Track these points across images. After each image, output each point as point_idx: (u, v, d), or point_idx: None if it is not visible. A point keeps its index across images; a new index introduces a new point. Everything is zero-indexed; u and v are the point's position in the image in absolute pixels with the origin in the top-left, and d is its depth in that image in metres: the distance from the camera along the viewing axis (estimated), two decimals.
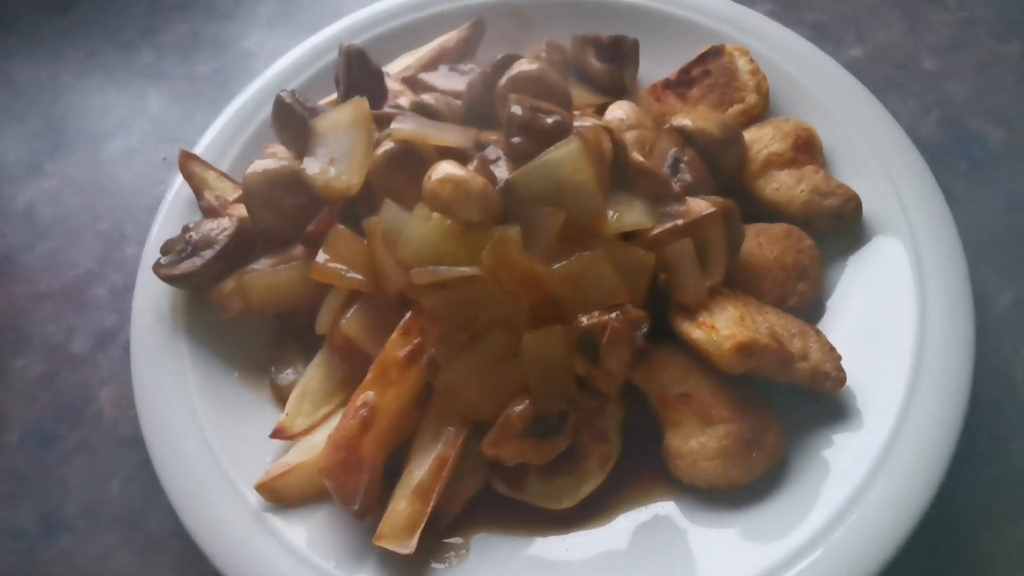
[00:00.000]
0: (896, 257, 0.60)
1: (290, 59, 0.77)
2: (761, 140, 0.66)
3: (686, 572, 0.49)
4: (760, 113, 0.69)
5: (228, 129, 0.71)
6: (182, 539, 0.56)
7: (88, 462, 0.63)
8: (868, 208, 0.63)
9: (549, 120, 0.54)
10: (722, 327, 0.51)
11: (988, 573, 0.54)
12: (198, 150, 0.69)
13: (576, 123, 0.57)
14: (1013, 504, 0.57)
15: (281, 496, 0.52)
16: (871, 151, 0.65)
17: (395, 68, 0.76)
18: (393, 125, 0.56)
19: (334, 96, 0.72)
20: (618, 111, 0.66)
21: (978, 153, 0.76)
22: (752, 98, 0.69)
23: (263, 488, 0.51)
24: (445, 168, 0.52)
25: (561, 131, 0.54)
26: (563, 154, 0.52)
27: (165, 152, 0.83)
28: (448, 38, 0.77)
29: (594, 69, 0.73)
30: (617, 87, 0.73)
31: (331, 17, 0.82)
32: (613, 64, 0.73)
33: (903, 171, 0.63)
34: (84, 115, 0.89)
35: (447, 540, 0.52)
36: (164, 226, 0.64)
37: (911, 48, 0.86)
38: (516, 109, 0.55)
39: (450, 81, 0.74)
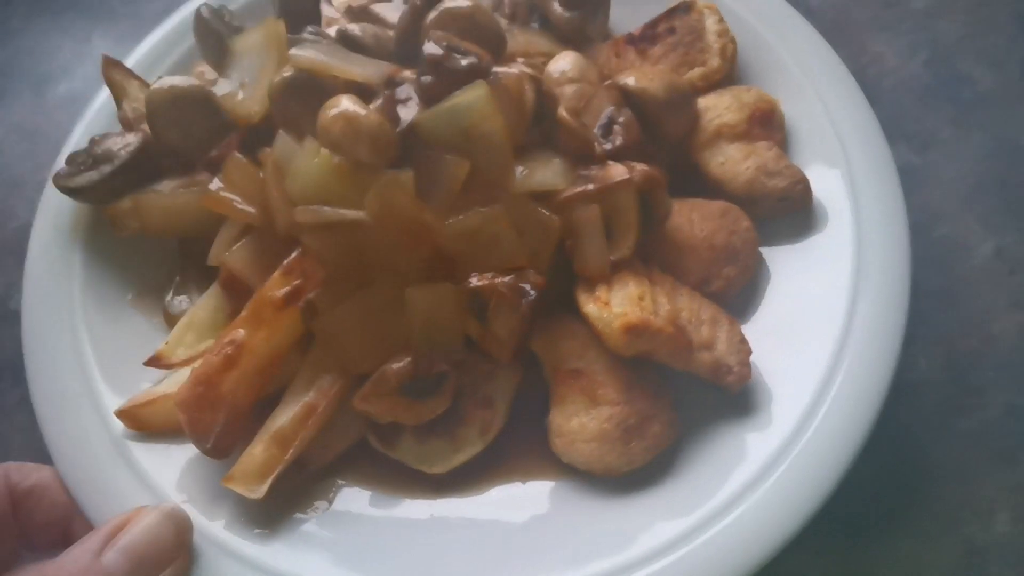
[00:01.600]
0: (836, 257, 0.54)
1: None
2: (715, 108, 0.60)
3: (543, 554, 0.46)
4: (721, 78, 0.63)
5: (161, 45, 0.67)
6: None
7: (31, 419, 0.58)
8: (819, 196, 0.57)
9: (463, 61, 0.50)
10: (616, 304, 0.47)
11: (958, 526, 0.53)
12: (128, 61, 0.65)
13: (501, 68, 0.52)
14: (986, 458, 0.55)
15: (144, 425, 0.50)
16: (834, 134, 0.59)
17: None
18: (292, 51, 0.51)
19: None
20: (562, 63, 0.61)
21: (967, 96, 0.70)
22: (715, 62, 0.63)
23: (125, 415, 0.50)
24: (341, 103, 0.48)
25: (475, 74, 0.49)
26: (470, 99, 0.48)
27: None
28: None
29: (555, 15, 0.67)
30: (578, 37, 0.67)
31: None
32: (578, 12, 0.67)
33: (863, 161, 0.57)
34: (30, 59, 0.86)
35: (314, 489, 0.50)
36: (83, 136, 0.61)
37: None
38: (431, 47, 0.50)
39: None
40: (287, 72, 0.50)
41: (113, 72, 0.62)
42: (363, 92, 0.51)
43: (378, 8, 0.69)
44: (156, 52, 0.67)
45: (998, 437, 0.55)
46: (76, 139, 0.62)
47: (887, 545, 0.51)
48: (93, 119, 0.63)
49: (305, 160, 0.48)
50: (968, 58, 0.72)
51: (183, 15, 0.69)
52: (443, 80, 0.50)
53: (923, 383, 0.53)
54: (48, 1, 0.89)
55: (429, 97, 0.50)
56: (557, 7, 0.68)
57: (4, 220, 0.72)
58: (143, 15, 0.86)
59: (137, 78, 0.63)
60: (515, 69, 0.53)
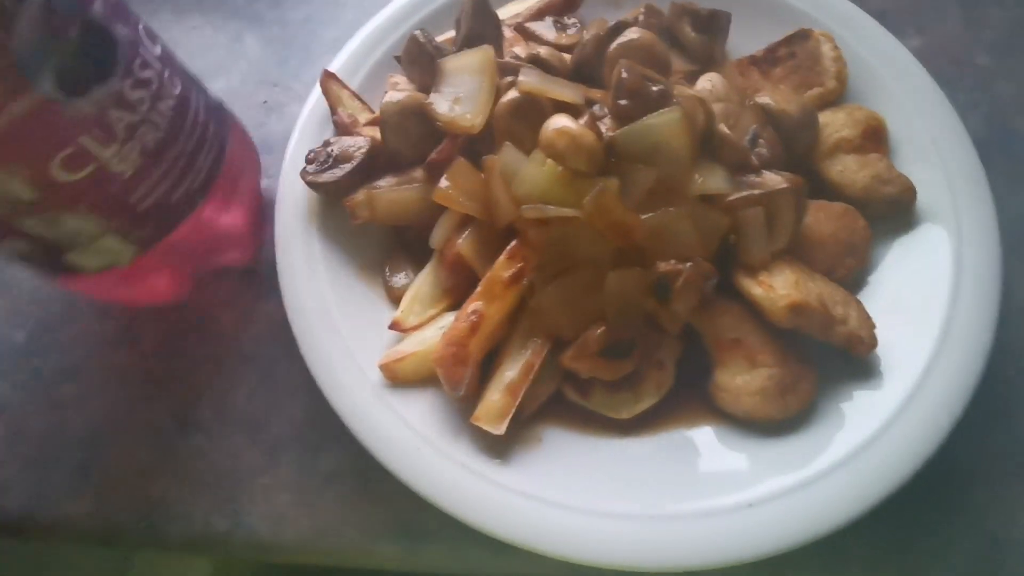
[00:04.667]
0: (939, 247, 0.65)
1: None
2: (834, 124, 0.70)
3: (719, 481, 0.57)
4: (836, 98, 0.73)
5: (358, 54, 0.76)
6: (301, 443, 0.66)
7: (214, 372, 0.70)
8: (921, 200, 0.68)
9: (655, 88, 0.59)
10: (779, 287, 0.58)
11: (982, 522, 0.61)
12: (334, 68, 0.75)
13: (676, 91, 0.62)
14: (1011, 467, 0.64)
15: (396, 376, 0.61)
16: (933, 148, 0.69)
17: (504, 14, 0.80)
18: (520, 78, 0.61)
19: (449, 34, 0.77)
20: (707, 83, 0.71)
21: (1019, 151, 0.79)
22: (831, 84, 0.73)
23: (385, 367, 0.60)
24: (562, 121, 0.58)
25: (664, 99, 0.59)
26: (665, 120, 0.58)
27: (264, 96, 0.86)
28: None
29: (688, 38, 0.77)
30: (707, 57, 0.77)
31: None
32: (706, 35, 0.77)
33: (959, 170, 0.67)
34: (186, 53, 0.89)
35: (526, 431, 0.61)
36: (302, 136, 0.71)
37: (967, 43, 0.87)
38: (626, 73, 0.60)
39: (554, 32, 0.78)
40: (514, 94, 0.60)
41: (330, 84, 0.71)
42: (567, 110, 0.61)
43: (532, 27, 0.78)
44: (353, 63, 0.76)
45: (1023, 451, 0.63)
46: (295, 140, 0.71)
47: (920, 532, 0.60)
48: (307, 120, 0.73)
49: (533, 168, 0.58)
50: (1022, 116, 0.80)
51: (367, 32, 0.78)
52: (637, 103, 0.60)
53: None
54: None
55: (623, 116, 0.60)
56: (689, 31, 0.77)
57: None
58: (288, 21, 0.94)
59: (347, 87, 0.72)
60: (686, 92, 0.63)
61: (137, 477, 0.68)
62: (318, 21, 0.94)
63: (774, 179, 0.61)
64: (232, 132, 0.66)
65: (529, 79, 0.61)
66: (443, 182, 0.62)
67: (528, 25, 0.78)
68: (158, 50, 0.56)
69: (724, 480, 0.57)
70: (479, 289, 0.59)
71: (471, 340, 0.57)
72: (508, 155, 0.60)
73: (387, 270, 0.68)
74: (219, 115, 0.65)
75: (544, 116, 0.60)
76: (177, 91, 0.57)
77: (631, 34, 0.65)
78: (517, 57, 0.66)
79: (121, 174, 0.52)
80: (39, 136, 0.47)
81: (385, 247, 0.70)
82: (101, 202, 0.53)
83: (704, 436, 0.61)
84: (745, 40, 0.79)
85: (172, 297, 0.70)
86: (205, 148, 0.59)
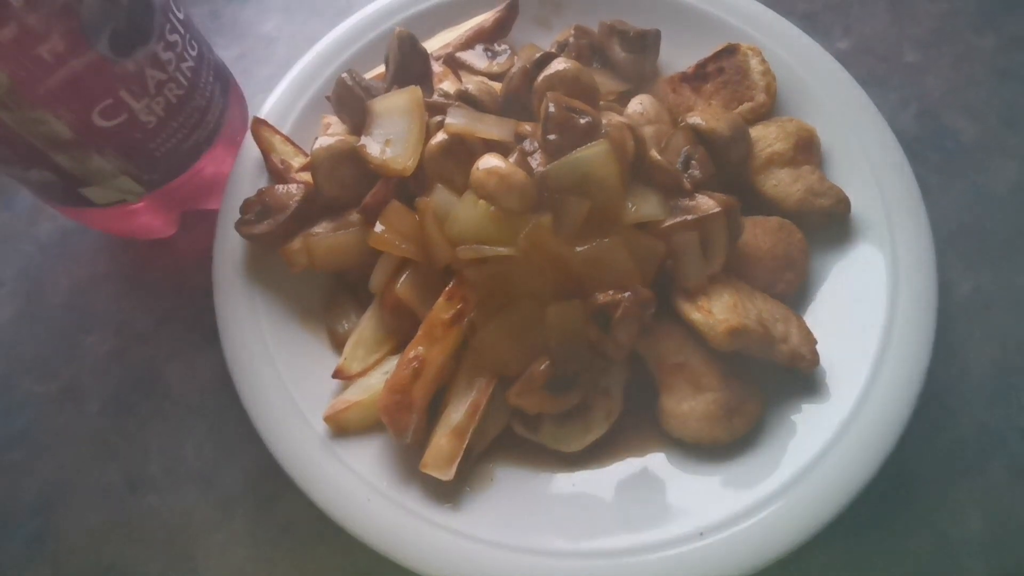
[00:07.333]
0: (874, 256, 0.65)
1: (339, 33, 0.79)
2: (765, 138, 0.70)
3: (671, 510, 0.57)
4: (767, 112, 0.73)
5: (286, 97, 0.75)
6: (254, 495, 0.65)
7: (162, 428, 0.69)
8: (855, 208, 0.68)
9: (582, 120, 0.59)
10: (717, 312, 0.58)
11: (935, 522, 0.61)
12: (264, 113, 0.73)
13: (604, 120, 0.61)
14: (960, 466, 0.64)
15: (343, 427, 0.59)
16: (864, 156, 0.69)
17: (434, 45, 0.79)
18: (447, 120, 0.60)
19: (380, 70, 0.75)
20: (638, 105, 0.70)
21: (951, 146, 0.79)
22: (761, 98, 0.73)
23: (329, 419, 0.59)
24: (492, 161, 0.57)
25: (592, 131, 0.59)
26: (593, 153, 0.57)
27: None
28: (485, 18, 0.80)
29: (618, 57, 0.77)
30: (638, 75, 0.77)
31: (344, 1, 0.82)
32: (636, 54, 0.76)
33: (890, 177, 0.67)
34: None
35: (477, 470, 0.60)
36: (237, 185, 0.69)
37: (895, 41, 0.87)
38: (552, 108, 0.59)
39: (485, 61, 0.77)
40: (442, 136, 0.59)
41: (261, 130, 0.69)
42: (497, 148, 0.60)
43: (463, 56, 0.77)
44: (283, 106, 0.74)
45: (970, 450, 0.63)
46: (231, 189, 0.69)
47: (875, 540, 0.60)
48: (240, 168, 0.71)
49: (466, 209, 0.57)
50: (952, 111, 0.80)
51: (295, 73, 0.76)
52: (565, 136, 0.59)
53: None
54: None
55: (552, 150, 0.59)
56: (619, 50, 0.77)
57: (119, 252, 0.78)
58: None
59: (278, 132, 0.71)
60: (615, 120, 0.62)
61: (91, 541, 0.66)
62: (251, 60, 0.92)
63: (707, 203, 0.61)
64: (232, 92, 0.72)
65: (456, 120, 0.60)
66: (378, 226, 0.60)
67: (459, 55, 0.77)
68: (182, 15, 0.62)
69: (675, 509, 0.57)
70: (419, 333, 0.58)
71: (414, 386, 0.56)
72: (440, 197, 0.59)
73: (330, 317, 0.66)
74: (223, 76, 0.70)
75: (474, 155, 0.59)
76: (195, 53, 0.63)
77: (557, 65, 0.64)
78: (446, 94, 0.65)
79: (147, 124, 0.59)
80: (88, 88, 0.54)
81: (327, 292, 0.68)
82: (126, 146, 0.59)
83: (655, 463, 0.60)
84: (677, 53, 0.79)
85: (162, 233, 0.74)
86: (213, 104, 0.66)
